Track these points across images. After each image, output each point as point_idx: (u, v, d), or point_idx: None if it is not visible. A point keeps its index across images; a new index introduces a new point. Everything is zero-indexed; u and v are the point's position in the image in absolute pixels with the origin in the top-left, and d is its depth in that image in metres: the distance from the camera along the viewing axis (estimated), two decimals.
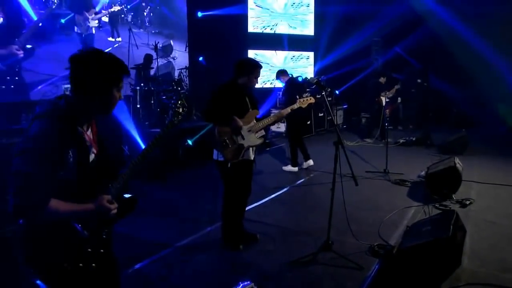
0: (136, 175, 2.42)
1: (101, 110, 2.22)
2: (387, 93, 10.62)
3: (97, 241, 2.21)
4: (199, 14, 12.92)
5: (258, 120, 4.59)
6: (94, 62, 2.08)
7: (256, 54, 14.12)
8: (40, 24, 8.87)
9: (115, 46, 10.73)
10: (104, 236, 2.26)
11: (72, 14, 9.70)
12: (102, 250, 2.23)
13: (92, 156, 2.22)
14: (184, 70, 11.73)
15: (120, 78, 2.18)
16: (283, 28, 14.85)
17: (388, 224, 5.23)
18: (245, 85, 4.49)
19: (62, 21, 9.48)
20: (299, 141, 8.22)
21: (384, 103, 10.06)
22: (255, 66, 4.48)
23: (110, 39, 10.76)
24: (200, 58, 12.57)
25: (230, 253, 4.51)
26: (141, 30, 11.57)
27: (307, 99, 4.98)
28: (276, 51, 14.65)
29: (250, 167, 4.66)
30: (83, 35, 9.99)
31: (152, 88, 9.50)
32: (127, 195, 2.42)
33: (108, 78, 2.12)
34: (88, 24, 10.08)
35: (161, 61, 11.44)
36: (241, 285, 3.71)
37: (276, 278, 3.96)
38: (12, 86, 8.24)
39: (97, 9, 10.26)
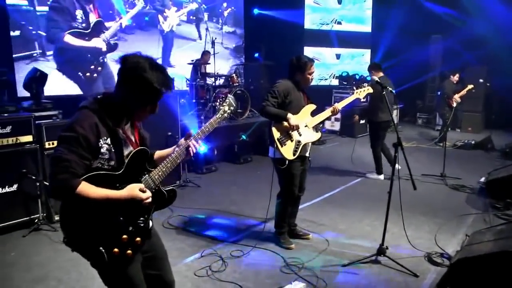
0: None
1: (133, 118, 2.38)
2: (458, 95, 9.98)
3: (134, 229, 2.27)
4: (256, 11, 13.01)
5: (314, 115, 4.56)
6: (140, 72, 2.16)
7: (313, 52, 14.01)
8: (124, 22, 9.80)
9: (191, 44, 11.50)
10: (141, 225, 2.32)
11: (155, 12, 10.51)
12: (138, 238, 2.29)
13: (128, 150, 2.31)
14: (240, 66, 11.86)
15: (159, 95, 2.25)
16: (339, 25, 14.64)
17: (445, 231, 5.06)
18: (300, 81, 4.50)
19: (146, 18, 10.39)
20: (376, 147, 7.44)
21: (455, 104, 9.52)
22: (308, 62, 4.46)
23: (189, 36, 11.53)
24: (256, 54, 12.65)
25: (283, 251, 4.52)
26: (217, 29, 12.30)
27: (365, 89, 4.85)
28: (332, 48, 14.49)
29: (306, 164, 4.66)
30: (164, 32, 10.84)
31: (208, 83, 9.67)
32: (167, 187, 2.49)
33: (147, 93, 2.22)
34: (169, 22, 10.81)
35: (234, 61, 12.34)
36: (293, 284, 3.73)
37: (329, 280, 3.92)
38: (95, 75, 9.25)
39: (181, 12, 11.17)
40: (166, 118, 6.27)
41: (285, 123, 4.32)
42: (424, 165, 8.14)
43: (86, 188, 2.06)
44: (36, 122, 5.11)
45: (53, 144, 5.11)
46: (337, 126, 12.01)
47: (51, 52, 8.55)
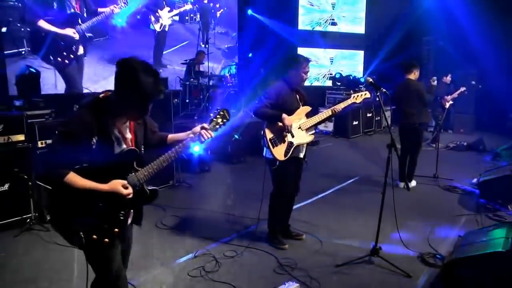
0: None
1: (128, 118, 2.54)
2: (450, 96, 9.98)
3: (113, 220, 2.50)
4: (249, 12, 13.01)
5: (309, 117, 4.54)
6: (133, 77, 2.31)
7: (306, 53, 14.00)
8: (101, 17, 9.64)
9: (184, 43, 11.41)
10: (121, 218, 2.52)
11: (146, 11, 10.43)
12: (117, 229, 2.50)
13: (120, 148, 2.50)
14: (234, 66, 11.85)
15: (150, 99, 2.42)
16: (333, 26, 14.66)
17: (438, 232, 5.08)
18: (295, 80, 4.48)
19: (138, 17, 10.35)
20: (404, 156, 6.98)
21: (447, 106, 9.51)
22: (303, 61, 4.45)
23: (182, 37, 11.46)
24: (250, 54, 12.64)
25: (276, 251, 4.52)
26: (209, 30, 12.28)
27: (362, 94, 4.75)
28: (326, 49, 14.49)
29: (300, 165, 4.66)
30: (156, 32, 10.75)
31: (201, 83, 9.65)
32: (150, 187, 2.66)
33: (139, 97, 2.37)
34: (162, 21, 10.76)
35: (226, 62, 12.26)
36: (286, 285, 3.72)
37: (322, 280, 3.93)
38: (66, 61, 9.13)
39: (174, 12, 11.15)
40: (159, 117, 6.22)
41: (279, 124, 4.31)
42: (417, 166, 8.13)
43: (73, 178, 2.31)
44: (29, 121, 5.07)
45: (45, 143, 5.08)
46: (330, 127, 12.03)
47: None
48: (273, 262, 4.29)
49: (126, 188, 2.45)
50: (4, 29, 7.96)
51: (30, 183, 4.88)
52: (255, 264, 4.27)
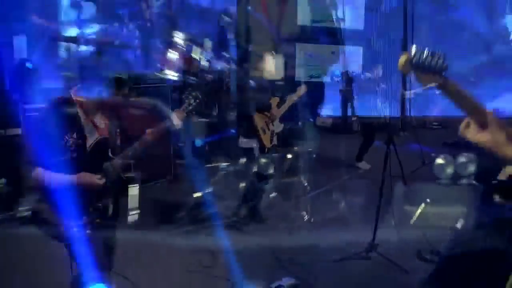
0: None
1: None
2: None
3: (93, 210, 2.48)
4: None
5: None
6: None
7: (305, 49, 13.93)
8: None
9: None
10: (101, 207, 2.52)
11: None
12: (98, 220, 2.49)
13: (92, 139, 2.49)
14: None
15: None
16: (333, 22, 14.54)
17: (436, 227, 5.05)
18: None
19: None
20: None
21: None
22: (253, 60, 4.87)
23: None
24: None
25: (273, 246, 4.48)
26: None
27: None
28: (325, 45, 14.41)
29: None
30: None
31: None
32: (128, 174, 2.68)
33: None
34: None
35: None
36: (283, 280, 3.71)
37: (319, 275, 3.92)
38: None
39: None
40: None
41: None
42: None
43: (40, 173, 2.33)
44: None
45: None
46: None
47: None
48: (270, 257, 4.28)
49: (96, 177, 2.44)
50: None
51: None
52: (252, 259, 4.24)
